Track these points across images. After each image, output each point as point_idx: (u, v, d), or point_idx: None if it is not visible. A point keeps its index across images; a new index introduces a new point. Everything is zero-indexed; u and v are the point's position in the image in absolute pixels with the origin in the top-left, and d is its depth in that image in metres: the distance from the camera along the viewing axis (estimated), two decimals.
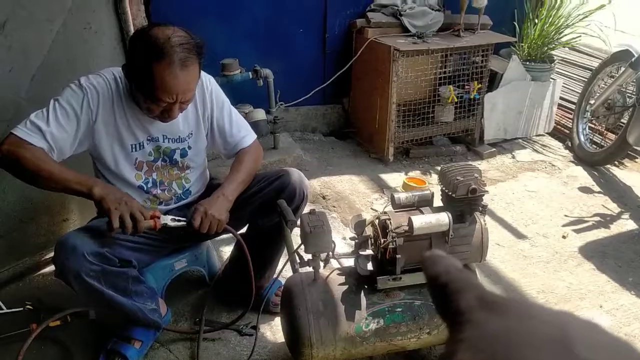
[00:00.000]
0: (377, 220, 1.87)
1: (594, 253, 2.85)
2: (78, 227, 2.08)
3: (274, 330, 2.26)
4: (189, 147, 2.07)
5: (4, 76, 2.22)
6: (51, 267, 2.19)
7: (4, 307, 2.28)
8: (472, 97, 3.86)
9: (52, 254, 1.83)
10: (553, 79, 4.25)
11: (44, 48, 2.31)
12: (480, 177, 1.83)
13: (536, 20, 4.19)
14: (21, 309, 2.29)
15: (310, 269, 1.88)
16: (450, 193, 1.81)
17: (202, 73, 1.97)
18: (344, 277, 1.92)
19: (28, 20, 2.22)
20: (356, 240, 1.90)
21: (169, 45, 1.69)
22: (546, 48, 4.19)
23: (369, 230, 1.90)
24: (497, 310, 0.50)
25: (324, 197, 3.35)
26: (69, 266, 1.75)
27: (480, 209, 1.87)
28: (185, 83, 1.77)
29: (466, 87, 3.82)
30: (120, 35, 2.54)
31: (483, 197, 1.84)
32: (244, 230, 2.28)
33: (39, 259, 2.56)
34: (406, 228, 1.77)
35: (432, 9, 3.90)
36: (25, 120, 1.78)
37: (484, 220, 1.90)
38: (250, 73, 3.42)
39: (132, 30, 2.51)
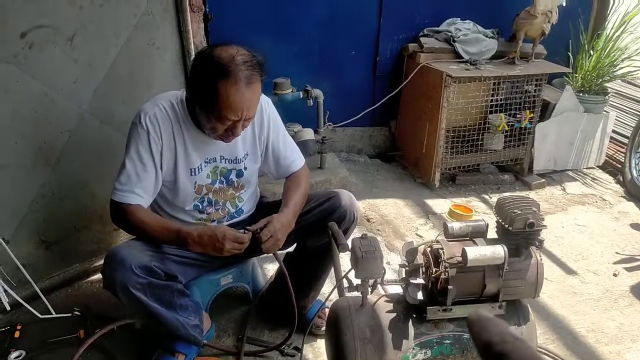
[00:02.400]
0: (429, 249, 1.84)
1: None
2: (128, 240, 2.12)
3: (315, 353, 2.24)
4: (245, 168, 2.09)
5: (68, 88, 2.30)
6: (100, 275, 2.23)
7: (53, 311, 2.33)
8: (523, 126, 3.80)
9: (101, 262, 1.88)
10: (606, 111, 4.15)
11: (108, 62, 2.39)
12: (538, 211, 1.78)
13: (591, 52, 4.12)
14: (69, 314, 2.34)
15: (357, 294, 1.86)
16: (506, 226, 1.77)
17: (261, 95, 2.00)
18: (391, 304, 1.89)
19: (95, 34, 2.30)
20: (406, 268, 1.87)
21: (234, 64, 1.72)
22: (601, 80, 4.11)
23: (420, 259, 1.87)
24: None
25: (368, 220, 3.34)
26: (116, 278, 1.78)
27: (537, 243, 1.82)
28: (250, 100, 1.79)
29: (517, 115, 3.77)
30: (181, 52, 2.61)
31: (540, 232, 1.80)
32: (291, 249, 2.28)
33: (89, 266, 2.61)
34: (459, 259, 1.74)
35: (486, 36, 3.88)
36: (115, 185, 1.89)
37: (540, 256, 1.85)
38: (301, 93, 3.44)
39: (192, 47, 2.57)
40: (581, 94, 4.04)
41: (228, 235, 1.79)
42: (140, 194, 1.90)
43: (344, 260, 1.98)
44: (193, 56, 2.43)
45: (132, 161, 1.89)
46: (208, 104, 1.78)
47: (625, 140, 4.17)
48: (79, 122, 2.36)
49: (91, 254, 2.61)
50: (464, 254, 1.71)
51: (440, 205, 3.60)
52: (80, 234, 2.55)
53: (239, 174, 2.10)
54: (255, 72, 1.77)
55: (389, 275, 2.00)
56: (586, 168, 4.22)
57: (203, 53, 1.82)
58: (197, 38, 2.72)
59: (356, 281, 1.84)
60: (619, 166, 4.12)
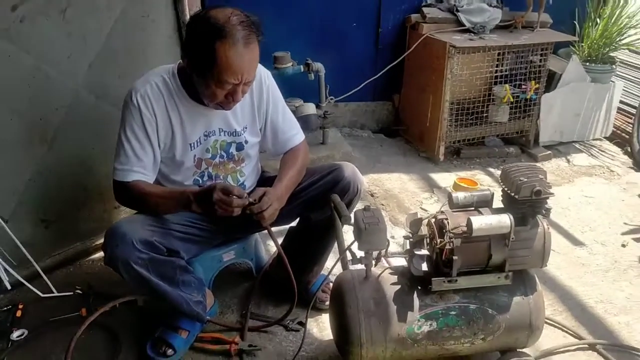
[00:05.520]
0: (433, 220, 1.80)
1: None
2: (129, 216, 2.09)
3: (320, 327, 2.22)
4: (246, 142, 2.05)
5: (62, 62, 2.26)
6: (101, 253, 2.21)
7: (55, 290, 2.31)
8: (528, 97, 3.73)
9: (102, 240, 1.85)
10: (613, 81, 4.07)
11: (102, 35, 2.34)
12: (545, 179, 1.74)
13: (598, 20, 4.02)
14: (71, 293, 2.33)
15: (361, 267, 1.83)
16: (512, 194, 1.73)
17: (261, 68, 1.95)
18: (396, 276, 1.87)
19: (88, 7, 2.25)
20: (411, 239, 1.83)
21: (230, 25, 1.66)
22: (608, 49, 4.02)
23: (424, 230, 1.83)
24: None
25: (372, 195, 3.30)
26: (118, 254, 1.76)
27: (544, 212, 1.78)
28: (249, 62, 1.74)
29: (523, 86, 3.70)
30: (176, 25, 2.56)
31: (547, 200, 1.75)
32: (294, 224, 2.25)
33: (89, 244, 2.59)
34: (464, 229, 1.70)
35: (490, 5, 3.79)
36: (115, 166, 1.88)
37: (547, 224, 1.81)
38: (301, 66, 3.39)
39: (188, 19, 2.51)
40: (587, 64, 3.96)
41: (218, 185, 1.74)
42: (141, 172, 1.88)
43: (349, 234, 1.94)
44: None
45: (129, 141, 1.85)
46: (206, 68, 1.72)
47: (633, 111, 4.10)
48: (74, 98, 2.31)
49: (92, 232, 2.58)
50: (469, 223, 1.67)
51: (445, 179, 3.55)
52: (80, 212, 2.52)
53: (239, 147, 2.05)
54: (252, 32, 1.71)
55: (393, 249, 1.97)
56: (593, 139, 4.15)
57: (198, 15, 1.76)
58: (193, 11, 2.64)
59: (360, 253, 1.81)
60: (627, 137, 4.05)
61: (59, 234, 2.47)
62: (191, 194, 1.80)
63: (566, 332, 2.23)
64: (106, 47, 2.35)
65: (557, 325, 2.26)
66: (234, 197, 1.73)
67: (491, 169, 3.72)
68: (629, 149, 3.97)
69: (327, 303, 2.06)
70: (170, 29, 2.56)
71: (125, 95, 1.86)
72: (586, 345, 2.16)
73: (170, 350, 2.02)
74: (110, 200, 2.57)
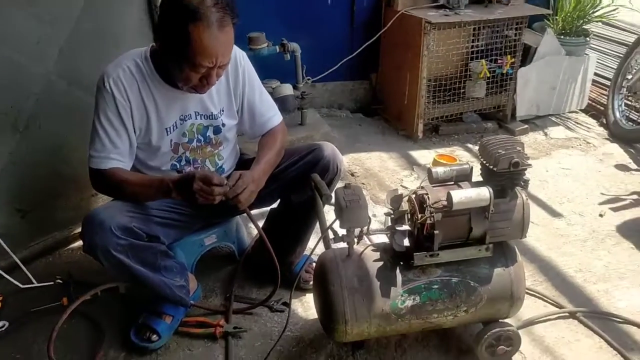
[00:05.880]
0: (414, 195, 1.81)
1: (633, 232, 2.75)
2: (106, 202, 2.06)
3: (305, 307, 2.22)
4: (223, 125, 2.03)
5: (32, 48, 2.20)
6: (80, 242, 2.18)
7: (34, 281, 2.29)
8: (504, 72, 3.75)
9: (80, 229, 1.81)
10: (587, 54, 4.10)
11: (72, 19, 2.28)
12: (522, 151, 1.75)
13: None
14: (51, 283, 2.30)
15: (344, 245, 1.83)
16: (491, 167, 1.74)
17: (236, 49, 1.92)
18: (378, 253, 1.87)
19: None
20: (392, 216, 1.84)
21: (205, 6, 1.63)
22: (581, 22, 4.04)
23: (405, 205, 1.83)
24: None
25: (352, 174, 3.30)
26: (96, 241, 1.74)
27: (522, 183, 1.79)
28: (224, 44, 1.71)
29: (499, 61, 3.71)
30: (147, 6, 2.50)
31: (525, 172, 1.77)
32: (275, 205, 2.24)
33: (68, 233, 2.56)
34: (445, 203, 1.71)
35: None
36: (90, 153, 1.84)
37: (526, 196, 1.82)
38: (277, 47, 3.35)
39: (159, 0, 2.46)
40: (562, 37, 3.98)
41: (197, 175, 1.72)
42: (118, 159, 1.85)
43: (330, 214, 1.94)
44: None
45: (104, 128, 1.82)
46: (180, 51, 1.68)
47: (608, 83, 4.14)
48: (46, 85, 2.26)
49: (70, 221, 2.55)
50: (449, 197, 1.68)
51: (424, 156, 3.57)
52: (56, 202, 2.48)
53: (217, 131, 2.03)
54: (227, 14, 1.68)
55: (375, 227, 1.97)
56: (569, 112, 4.19)
57: None
58: None
59: (342, 232, 1.81)
60: (602, 109, 4.09)
61: (36, 224, 2.43)
62: (171, 182, 1.77)
63: (547, 301, 2.27)
64: (76, 31, 2.29)
65: (537, 295, 2.30)
66: (214, 186, 1.71)
67: (469, 145, 3.74)
68: (604, 121, 4.02)
69: (311, 283, 2.06)
70: (141, 10, 2.50)
71: (97, 80, 1.82)
72: (567, 314, 2.20)
73: (154, 335, 2.01)
74: (87, 188, 2.52)
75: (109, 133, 1.82)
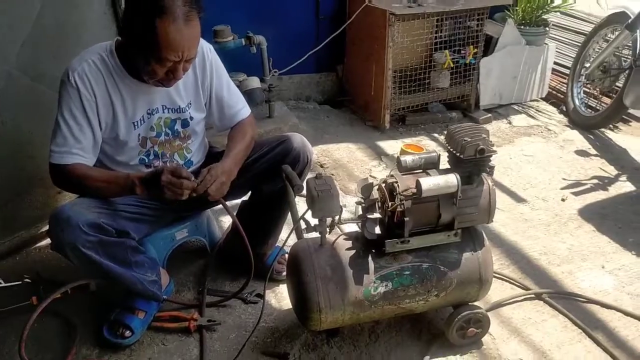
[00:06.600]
0: (384, 184, 1.84)
1: (594, 215, 2.85)
2: (72, 199, 2.03)
3: (278, 298, 2.24)
4: (191, 118, 2.02)
5: None
6: (48, 240, 2.14)
7: (2, 281, 2.24)
8: (467, 62, 3.82)
9: (47, 227, 1.79)
10: (546, 43, 4.21)
11: (32, 13, 2.23)
12: (487, 138, 1.80)
13: None
14: (19, 282, 2.25)
15: (316, 235, 1.86)
16: (458, 154, 1.78)
17: (203, 42, 1.92)
18: (350, 241, 1.90)
19: None
20: (363, 205, 1.87)
21: (171, 0, 1.62)
22: (540, 12, 4.14)
23: (375, 194, 1.86)
24: None
25: (322, 166, 3.32)
26: (64, 238, 1.72)
27: (488, 170, 1.84)
28: (190, 39, 1.70)
29: (462, 52, 3.78)
30: (111, 1, 2.46)
31: (491, 158, 1.81)
32: (246, 197, 2.24)
33: (35, 232, 2.51)
34: (414, 190, 1.74)
35: None
36: (51, 148, 1.81)
37: (492, 182, 1.87)
38: (243, 40, 3.34)
39: None
40: (522, 27, 4.07)
41: (167, 168, 1.72)
42: (80, 154, 1.82)
43: (301, 205, 1.95)
44: (123, 3, 2.30)
45: (66, 122, 1.79)
46: (146, 45, 1.67)
47: (567, 71, 4.25)
48: (7, 80, 2.20)
49: (36, 220, 2.50)
50: (418, 185, 1.71)
51: (392, 146, 3.61)
52: (21, 200, 2.43)
53: (185, 124, 2.02)
54: (192, 8, 1.68)
55: (346, 217, 2.00)
56: (530, 100, 4.30)
57: None
58: None
59: (314, 222, 1.83)
60: (562, 97, 4.21)
61: (1, 223, 2.38)
62: (136, 179, 1.76)
63: (513, 284, 2.34)
64: (37, 26, 2.24)
65: (504, 278, 2.36)
66: (183, 179, 1.71)
67: (435, 134, 3.80)
68: (564, 108, 4.13)
69: (284, 274, 2.07)
70: (104, 4, 2.46)
71: (62, 74, 1.79)
72: (533, 295, 2.27)
73: (128, 331, 1.99)
74: (53, 186, 2.47)
75: (71, 128, 1.79)
